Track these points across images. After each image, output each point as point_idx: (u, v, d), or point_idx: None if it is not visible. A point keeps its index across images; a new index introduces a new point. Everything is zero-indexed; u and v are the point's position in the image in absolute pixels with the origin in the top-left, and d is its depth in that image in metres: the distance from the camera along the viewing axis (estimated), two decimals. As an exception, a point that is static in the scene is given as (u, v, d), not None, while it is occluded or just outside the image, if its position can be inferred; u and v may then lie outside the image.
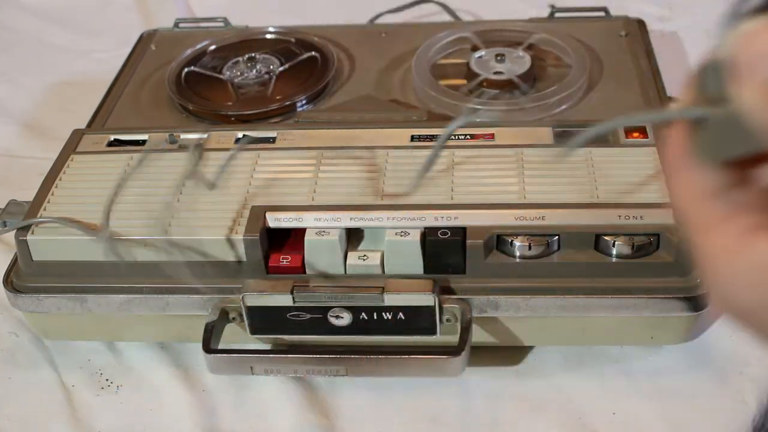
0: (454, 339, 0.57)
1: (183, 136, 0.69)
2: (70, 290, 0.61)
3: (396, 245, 0.58)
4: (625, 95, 0.73)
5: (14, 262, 0.63)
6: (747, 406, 0.58)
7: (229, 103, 0.75)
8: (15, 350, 0.66)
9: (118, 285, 0.60)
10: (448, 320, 0.59)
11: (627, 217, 0.58)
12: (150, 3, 1.12)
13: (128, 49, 0.87)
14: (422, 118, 0.71)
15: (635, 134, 0.65)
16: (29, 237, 0.60)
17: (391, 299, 0.57)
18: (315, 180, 0.63)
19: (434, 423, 0.59)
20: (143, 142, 0.69)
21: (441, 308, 0.58)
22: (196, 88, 0.78)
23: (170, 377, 0.63)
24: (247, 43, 0.83)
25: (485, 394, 0.61)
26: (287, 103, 0.74)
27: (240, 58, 0.80)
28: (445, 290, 0.58)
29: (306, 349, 0.60)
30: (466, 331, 0.57)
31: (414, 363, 0.57)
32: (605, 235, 0.57)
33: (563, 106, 0.72)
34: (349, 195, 0.61)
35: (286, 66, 0.79)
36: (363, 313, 0.58)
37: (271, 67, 0.79)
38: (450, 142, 0.66)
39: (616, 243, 0.57)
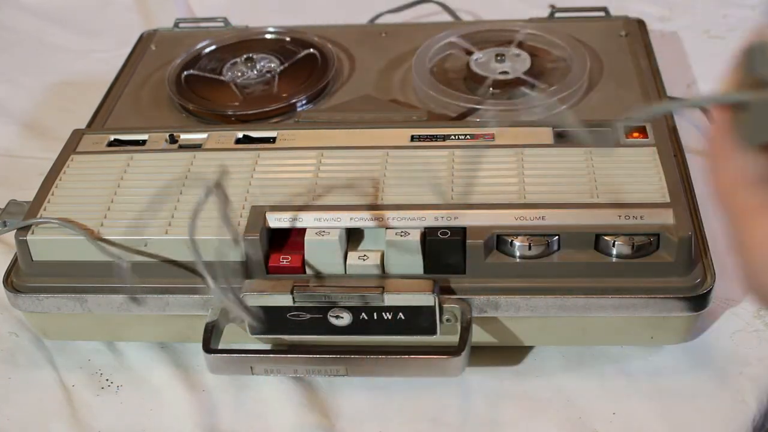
0: (454, 339, 0.57)
1: (183, 136, 0.69)
2: (70, 290, 0.61)
3: (396, 245, 0.58)
4: (625, 95, 0.73)
5: (14, 262, 0.63)
6: (747, 406, 0.58)
7: (229, 103, 0.75)
8: (15, 350, 0.66)
9: (118, 285, 0.60)
10: (448, 320, 0.59)
11: (627, 217, 0.58)
12: (150, 3, 1.12)
13: (128, 49, 0.87)
14: (422, 118, 0.71)
15: (635, 134, 0.65)
16: (29, 237, 0.60)
17: (391, 299, 0.57)
18: (315, 180, 0.63)
19: (434, 423, 0.59)
20: (143, 142, 0.69)
21: (441, 308, 0.58)
22: (196, 88, 0.78)
23: (170, 377, 0.63)
24: (247, 43, 0.83)
25: (485, 394, 0.61)
26: (287, 103, 0.74)
27: (240, 58, 0.80)
28: (445, 290, 0.58)
29: (306, 349, 0.60)
30: (466, 331, 0.57)
31: (414, 363, 0.57)
32: (605, 235, 0.57)
33: (563, 106, 0.72)
34: (349, 195, 0.61)
35: (286, 65, 0.79)
36: (363, 313, 0.58)
37: (272, 66, 0.79)
38: (450, 142, 0.66)
39: (616, 243, 0.57)
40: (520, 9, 0.98)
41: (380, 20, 0.98)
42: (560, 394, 0.60)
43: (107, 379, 0.64)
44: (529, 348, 0.63)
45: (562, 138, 0.65)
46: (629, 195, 0.59)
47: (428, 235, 0.58)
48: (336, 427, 0.59)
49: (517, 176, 0.62)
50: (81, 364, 0.65)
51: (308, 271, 0.59)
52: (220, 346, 0.59)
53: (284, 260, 0.59)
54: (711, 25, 0.99)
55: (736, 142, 0.31)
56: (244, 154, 0.66)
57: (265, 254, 0.59)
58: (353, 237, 0.60)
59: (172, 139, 0.68)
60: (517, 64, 0.76)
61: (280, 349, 0.63)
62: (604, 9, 0.86)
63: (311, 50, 0.81)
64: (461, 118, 0.72)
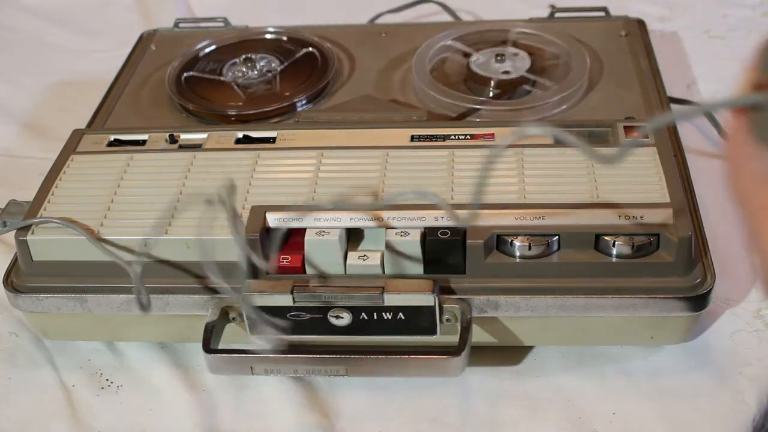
0: (454, 339, 0.57)
1: (183, 136, 0.69)
2: (70, 290, 0.61)
3: (396, 245, 0.58)
4: (625, 95, 0.73)
5: (14, 262, 0.63)
6: (747, 406, 0.58)
7: (229, 103, 0.75)
8: (15, 350, 0.66)
9: (118, 285, 0.60)
10: (448, 320, 0.59)
11: (627, 217, 0.58)
12: (150, 3, 1.12)
13: (128, 49, 0.87)
14: (422, 118, 0.71)
15: (635, 134, 0.65)
16: (29, 237, 0.60)
17: (391, 299, 0.57)
18: (315, 180, 0.63)
19: (434, 423, 0.59)
20: (143, 142, 0.69)
21: (441, 308, 0.58)
22: (196, 88, 0.78)
23: (170, 377, 0.63)
24: (247, 43, 0.83)
25: (485, 394, 0.61)
26: (287, 103, 0.74)
27: (240, 59, 0.80)
28: (445, 290, 0.58)
29: (306, 349, 0.60)
30: (466, 331, 0.57)
31: (414, 363, 0.57)
32: (605, 235, 0.57)
33: (563, 106, 0.72)
34: (349, 195, 0.61)
35: (286, 65, 0.79)
36: (363, 313, 0.58)
37: (272, 65, 0.79)
38: (450, 142, 0.66)
39: (616, 243, 0.57)
40: (520, 9, 0.98)
41: (380, 20, 0.98)
42: (560, 394, 0.60)
43: (107, 379, 0.64)
44: (529, 348, 0.63)
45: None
46: (629, 195, 0.59)
47: (428, 235, 0.58)
48: (336, 427, 0.59)
49: (517, 176, 0.62)
50: (81, 364, 0.65)
51: (308, 271, 0.59)
52: (220, 346, 0.59)
53: (284, 260, 0.59)
54: (711, 25, 0.99)
55: (754, 143, 0.31)
56: (244, 154, 0.66)
57: (265, 254, 0.59)
58: (353, 237, 0.60)
59: (172, 139, 0.68)
60: (518, 63, 0.76)
61: (280, 349, 0.63)
62: (604, 9, 0.86)
63: (310, 49, 0.81)
64: (461, 118, 0.72)
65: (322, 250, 0.59)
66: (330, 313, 0.58)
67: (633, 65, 0.77)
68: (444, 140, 0.66)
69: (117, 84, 0.80)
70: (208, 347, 0.58)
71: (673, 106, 0.76)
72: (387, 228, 0.59)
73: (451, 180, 0.62)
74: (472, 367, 0.61)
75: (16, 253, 0.62)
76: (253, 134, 0.69)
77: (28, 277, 0.62)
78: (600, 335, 0.61)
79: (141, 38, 0.89)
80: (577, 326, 0.60)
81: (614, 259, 0.58)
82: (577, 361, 0.62)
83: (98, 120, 0.75)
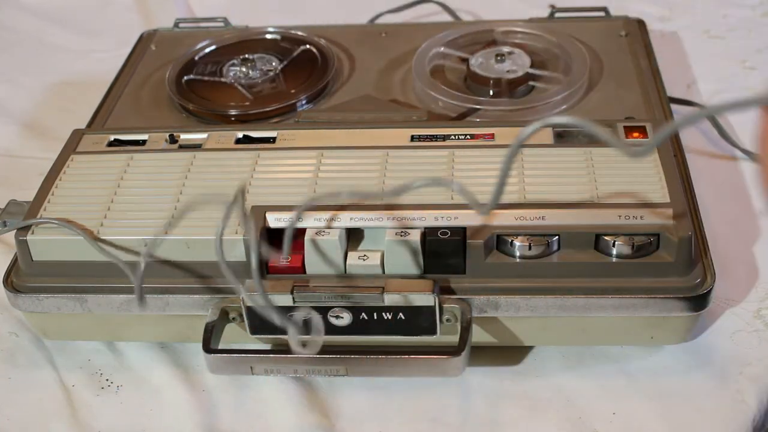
0: (454, 339, 0.57)
1: (183, 136, 0.69)
2: (70, 290, 0.61)
3: (396, 245, 0.58)
4: (625, 95, 0.73)
5: (14, 262, 0.63)
6: (747, 406, 0.58)
7: (229, 103, 0.75)
8: (15, 350, 0.66)
9: (118, 285, 0.60)
10: (448, 320, 0.59)
11: (627, 217, 0.58)
12: (150, 3, 1.12)
13: (128, 49, 0.87)
14: (422, 118, 0.71)
15: (635, 134, 0.65)
16: (29, 237, 0.60)
17: (391, 299, 0.57)
18: (315, 180, 0.63)
19: (434, 423, 0.59)
20: (143, 142, 0.69)
21: (441, 308, 0.58)
22: (196, 88, 0.78)
23: (170, 377, 0.63)
24: (247, 43, 0.83)
25: (485, 394, 0.61)
26: (287, 103, 0.74)
27: (239, 59, 0.80)
28: (445, 290, 0.58)
29: (306, 349, 0.60)
30: (466, 331, 0.57)
31: (414, 363, 0.57)
32: (605, 235, 0.57)
33: (563, 106, 0.72)
34: (349, 195, 0.61)
35: (285, 64, 0.79)
36: (363, 313, 0.58)
37: (272, 65, 0.79)
38: (450, 142, 0.66)
39: (616, 243, 0.57)
40: (520, 9, 0.98)
41: (380, 20, 0.98)
42: (560, 394, 0.60)
43: (107, 379, 0.64)
44: (529, 348, 0.63)
45: (562, 138, 0.65)
46: (629, 195, 0.59)
47: (428, 235, 0.58)
48: (336, 427, 0.59)
49: (517, 176, 0.62)
50: (81, 364, 0.65)
51: (308, 271, 0.59)
52: (220, 346, 0.59)
53: (284, 260, 0.59)
54: (711, 25, 0.99)
55: None
56: (244, 154, 0.66)
57: (265, 254, 0.59)
58: (353, 237, 0.60)
59: (172, 139, 0.68)
60: (518, 60, 0.76)
61: (280, 349, 0.63)
62: (604, 9, 0.86)
63: (307, 46, 0.81)
64: (461, 118, 0.72)
65: (322, 250, 0.59)
66: (330, 313, 0.58)
67: (633, 65, 0.77)
68: (444, 140, 0.66)
69: (117, 84, 0.80)
70: (208, 347, 0.58)
71: (676, 114, 0.76)
72: (387, 228, 0.59)
73: (451, 180, 0.62)
74: (472, 367, 0.61)
75: (16, 253, 0.62)
76: (253, 134, 0.69)
77: (28, 277, 0.62)
78: (600, 335, 0.61)
79: (141, 38, 0.89)
80: (577, 326, 0.60)
81: (614, 259, 0.58)
82: (577, 361, 0.62)
83: (98, 120, 0.75)
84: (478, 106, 0.72)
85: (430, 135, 0.67)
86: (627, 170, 0.61)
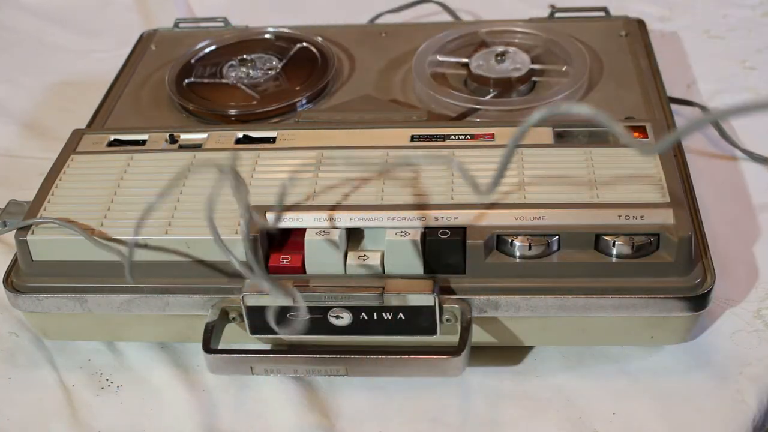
0: (454, 339, 0.57)
1: (183, 136, 0.69)
2: (70, 290, 0.61)
3: (396, 245, 0.58)
4: (625, 95, 0.73)
5: (14, 262, 0.63)
6: (747, 406, 0.58)
7: (230, 103, 0.75)
8: (15, 350, 0.66)
9: (118, 285, 0.60)
10: (448, 320, 0.59)
11: (627, 217, 0.58)
12: (150, 3, 1.12)
13: (128, 49, 0.87)
14: (422, 118, 0.71)
15: (635, 134, 0.65)
16: (29, 237, 0.60)
17: (391, 299, 0.57)
18: (315, 180, 0.63)
19: (434, 423, 0.59)
20: (143, 142, 0.69)
21: (441, 308, 0.58)
22: (196, 88, 0.78)
23: (170, 377, 0.63)
24: (247, 43, 0.83)
25: (485, 394, 0.61)
26: (287, 103, 0.74)
27: (239, 58, 0.80)
28: (445, 290, 0.58)
29: (306, 349, 0.60)
30: (466, 331, 0.57)
31: (414, 363, 0.57)
32: (605, 235, 0.57)
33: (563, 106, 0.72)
34: (349, 195, 0.61)
35: (284, 63, 0.79)
36: (363, 313, 0.58)
37: (273, 63, 0.79)
38: (450, 142, 0.66)
39: (616, 243, 0.57)
40: (520, 9, 0.98)
41: (380, 20, 0.98)
42: (560, 394, 0.60)
43: (107, 379, 0.64)
44: (529, 348, 0.63)
45: (562, 138, 0.65)
46: (629, 195, 0.59)
47: (428, 235, 0.58)
48: (336, 427, 0.59)
49: (517, 176, 0.62)
50: (81, 364, 0.65)
51: (308, 271, 0.59)
52: (220, 346, 0.59)
53: (284, 260, 0.59)
54: (711, 25, 0.99)
55: None
56: (244, 154, 0.66)
57: (265, 254, 0.59)
58: (353, 237, 0.60)
59: (172, 139, 0.68)
60: (517, 58, 0.76)
61: (280, 349, 0.63)
62: (604, 9, 0.86)
63: (304, 44, 0.81)
64: (461, 118, 0.72)
65: (322, 250, 0.59)
66: (330, 313, 0.58)
67: (633, 65, 0.77)
68: (444, 140, 0.66)
69: (117, 84, 0.80)
70: (208, 347, 0.58)
71: (678, 115, 0.76)
72: (387, 228, 0.59)
73: (451, 180, 0.62)
74: (472, 367, 0.61)
75: (16, 253, 0.62)
76: (253, 134, 0.69)
77: (28, 277, 0.62)
78: (600, 335, 0.61)
79: (141, 38, 0.89)
80: (577, 326, 0.60)
81: (614, 259, 0.58)
82: (577, 361, 0.62)
83: (98, 120, 0.75)
84: (478, 106, 0.72)
85: (430, 135, 0.67)
86: (627, 170, 0.61)
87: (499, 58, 0.76)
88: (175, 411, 0.61)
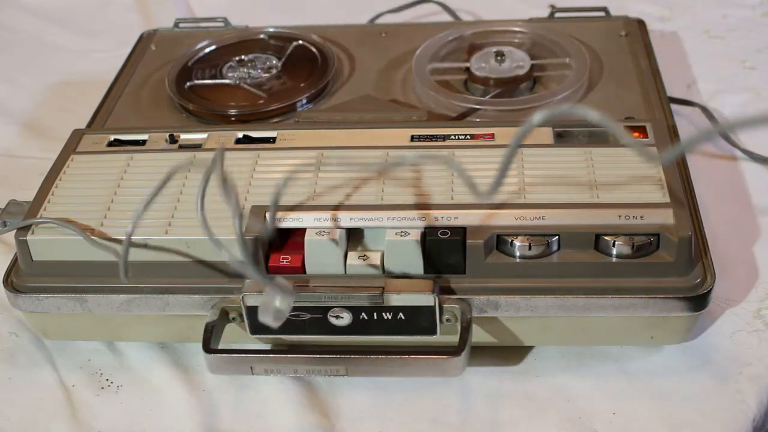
0: (454, 339, 0.57)
1: (183, 136, 0.69)
2: (70, 290, 0.61)
3: (396, 245, 0.58)
4: (625, 95, 0.73)
5: (14, 262, 0.63)
6: (747, 406, 0.58)
7: (229, 103, 0.75)
8: (15, 350, 0.66)
9: (118, 285, 0.60)
10: (448, 320, 0.59)
11: (627, 217, 0.58)
12: (150, 3, 1.12)
13: (128, 49, 0.87)
14: (422, 118, 0.71)
15: (635, 134, 0.65)
16: (29, 237, 0.60)
17: (391, 299, 0.57)
18: (315, 180, 0.63)
19: (434, 423, 0.59)
20: (143, 142, 0.69)
21: (441, 308, 0.58)
22: (196, 88, 0.78)
23: (170, 377, 0.63)
24: (247, 43, 0.83)
25: (485, 394, 0.61)
26: (287, 102, 0.74)
27: (240, 59, 0.80)
28: (445, 290, 0.58)
29: (306, 349, 0.60)
30: (466, 331, 0.57)
31: (414, 363, 0.57)
32: (605, 235, 0.57)
33: (563, 106, 0.72)
34: (349, 195, 0.61)
35: (284, 63, 0.79)
36: (363, 313, 0.58)
37: (273, 63, 0.79)
38: (450, 142, 0.66)
39: (616, 243, 0.57)
40: (520, 9, 0.98)
41: (380, 20, 0.98)
42: (560, 394, 0.60)
43: (107, 379, 0.64)
44: (529, 348, 0.63)
45: (562, 138, 0.65)
46: (629, 195, 0.59)
47: (428, 235, 0.58)
48: (336, 427, 0.59)
49: (517, 176, 0.62)
50: (81, 364, 0.65)
51: (308, 271, 0.59)
52: (220, 346, 0.59)
53: (284, 260, 0.59)
54: (711, 25, 0.99)
55: None
56: (244, 154, 0.66)
57: (265, 254, 0.59)
58: (353, 237, 0.60)
59: (172, 139, 0.68)
60: (516, 57, 0.76)
61: (280, 349, 0.63)
62: (604, 9, 0.86)
63: (304, 44, 0.81)
64: (461, 118, 0.72)
65: (322, 250, 0.59)
66: (330, 313, 0.58)
67: (633, 65, 0.77)
68: (444, 140, 0.66)
69: (117, 84, 0.80)
70: (208, 347, 0.58)
71: (678, 114, 0.76)
72: (387, 228, 0.59)
73: (451, 180, 0.62)
74: (472, 367, 0.61)
75: (16, 253, 0.62)
76: (253, 134, 0.69)
77: (28, 277, 0.62)
78: (600, 335, 0.61)
79: (141, 38, 0.89)
80: (577, 326, 0.60)
81: (614, 259, 0.58)
82: (577, 361, 0.62)
83: (98, 120, 0.75)
84: (478, 106, 0.72)
85: (430, 135, 0.67)
86: (627, 170, 0.61)
87: (499, 58, 0.76)
88: (175, 411, 0.61)
